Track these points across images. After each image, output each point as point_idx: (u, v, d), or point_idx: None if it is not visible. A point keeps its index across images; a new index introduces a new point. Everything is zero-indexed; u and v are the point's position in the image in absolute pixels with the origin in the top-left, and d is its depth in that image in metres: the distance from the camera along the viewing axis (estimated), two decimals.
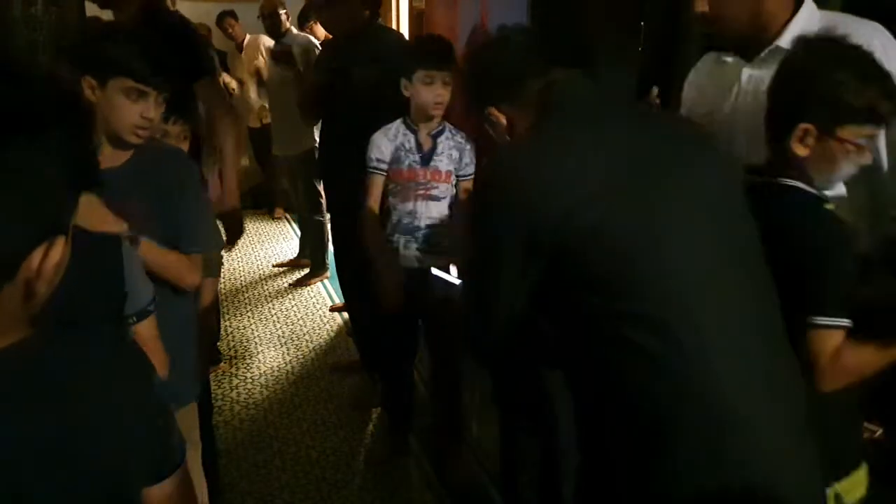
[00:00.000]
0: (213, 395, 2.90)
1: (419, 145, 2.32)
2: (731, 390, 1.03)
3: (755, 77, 1.52)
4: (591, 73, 1.31)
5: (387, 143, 2.34)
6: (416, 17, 4.12)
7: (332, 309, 4.13)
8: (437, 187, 2.34)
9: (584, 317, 1.09)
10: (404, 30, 4.52)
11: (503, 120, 1.30)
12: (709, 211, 1.11)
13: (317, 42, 4.28)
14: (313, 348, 3.67)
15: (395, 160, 2.34)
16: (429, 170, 2.32)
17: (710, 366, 1.03)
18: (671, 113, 1.86)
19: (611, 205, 1.05)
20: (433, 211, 2.34)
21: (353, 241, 2.82)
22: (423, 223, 2.34)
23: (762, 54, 1.51)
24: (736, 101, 1.57)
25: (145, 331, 1.29)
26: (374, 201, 2.40)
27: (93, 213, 1.47)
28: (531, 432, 2.10)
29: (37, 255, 0.71)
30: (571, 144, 1.12)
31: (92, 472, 0.77)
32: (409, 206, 2.34)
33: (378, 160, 2.35)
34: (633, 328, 1.04)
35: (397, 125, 2.36)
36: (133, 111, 1.53)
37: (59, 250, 0.73)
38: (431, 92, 2.23)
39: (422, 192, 2.33)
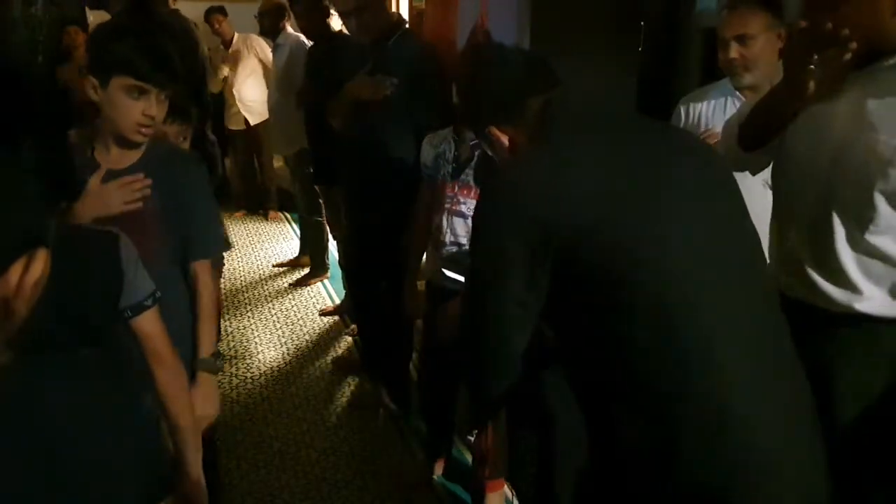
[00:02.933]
0: None
1: (457, 156, 2.17)
2: (731, 386, 1.04)
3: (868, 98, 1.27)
4: (589, 85, 1.31)
5: (430, 149, 2.25)
6: (416, 16, 4.11)
7: (323, 313, 4.04)
8: (464, 203, 2.15)
9: (587, 314, 1.10)
10: None
11: (504, 140, 1.30)
12: (706, 211, 1.13)
13: (307, 42, 4.25)
14: (313, 348, 3.66)
15: (435, 168, 2.23)
16: (458, 183, 2.17)
17: (710, 360, 1.04)
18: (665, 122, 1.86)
19: (610, 206, 1.07)
20: (459, 228, 2.17)
21: (369, 241, 2.82)
22: (447, 239, 2.19)
23: (868, 68, 1.26)
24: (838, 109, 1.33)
25: (147, 326, 1.25)
26: (423, 206, 2.31)
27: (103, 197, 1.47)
28: (531, 431, 2.09)
29: (15, 271, 0.65)
30: (570, 154, 1.14)
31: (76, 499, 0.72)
32: (439, 218, 2.21)
33: (424, 165, 2.27)
34: (633, 322, 1.05)
35: (445, 132, 2.23)
36: (135, 109, 1.53)
37: (40, 264, 0.67)
38: None
39: (449, 205, 2.17)
